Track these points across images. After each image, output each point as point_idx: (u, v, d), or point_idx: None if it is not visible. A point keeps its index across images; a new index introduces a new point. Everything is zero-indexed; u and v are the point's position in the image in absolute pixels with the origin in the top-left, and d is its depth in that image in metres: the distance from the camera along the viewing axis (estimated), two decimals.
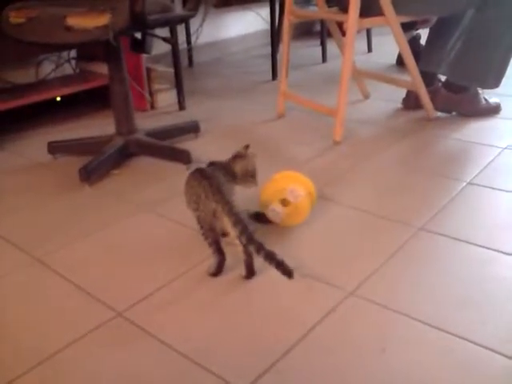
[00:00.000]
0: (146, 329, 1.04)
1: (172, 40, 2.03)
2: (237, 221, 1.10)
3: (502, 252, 1.23)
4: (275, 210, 1.32)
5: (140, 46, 1.73)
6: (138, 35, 1.76)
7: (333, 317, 1.05)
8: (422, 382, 0.89)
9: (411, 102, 2.20)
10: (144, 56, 2.29)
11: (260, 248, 1.08)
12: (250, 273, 1.17)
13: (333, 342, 0.98)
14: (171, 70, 2.38)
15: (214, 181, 1.16)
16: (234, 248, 1.16)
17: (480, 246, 1.26)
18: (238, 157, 1.30)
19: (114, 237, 1.39)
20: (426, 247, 1.28)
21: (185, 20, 1.79)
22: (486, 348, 0.95)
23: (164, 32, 2.10)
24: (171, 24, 2.05)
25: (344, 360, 0.94)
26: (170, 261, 1.26)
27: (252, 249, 1.10)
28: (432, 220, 1.38)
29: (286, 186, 1.35)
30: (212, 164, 1.28)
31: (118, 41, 1.70)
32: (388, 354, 0.95)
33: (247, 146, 1.32)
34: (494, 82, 2.04)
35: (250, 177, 1.29)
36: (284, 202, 1.33)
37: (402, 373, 0.91)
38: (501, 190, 1.53)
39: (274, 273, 1.08)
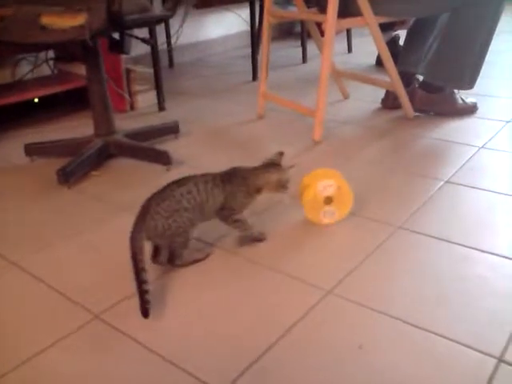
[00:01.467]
0: (123, 331, 1.03)
1: (151, 41, 2.03)
2: None
3: (477, 249, 1.25)
4: (328, 213, 1.36)
5: (118, 47, 1.71)
6: (117, 35, 1.74)
7: (311, 316, 1.05)
8: (399, 379, 0.90)
9: (390, 101, 2.23)
10: (123, 57, 2.27)
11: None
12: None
13: (311, 341, 0.99)
14: (151, 71, 2.37)
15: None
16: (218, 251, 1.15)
17: (457, 243, 1.28)
18: (271, 166, 1.27)
19: (92, 239, 1.38)
20: (403, 246, 1.29)
21: (163, 20, 1.78)
22: (462, 344, 0.96)
23: (143, 32, 2.09)
24: (149, 24, 2.04)
25: (322, 358, 0.95)
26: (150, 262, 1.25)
27: None
28: (410, 219, 1.40)
29: (315, 187, 1.36)
30: (233, 170, 1.26)
31: (96, 41, 1.69)
32: (365, 351, 0.95)
33: (282, 153, 1.30)
34: (469, 82, 2.07)
35: (281, 187, 1.26)
36: (327, 201, 1.36)
37: (378, 369, 0.92)
38: (478, 188, 1.55)
39: (251, 272, 1.08)
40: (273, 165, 1.27)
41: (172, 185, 1.20)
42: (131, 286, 1.15)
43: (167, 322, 1.06)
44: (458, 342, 0.96)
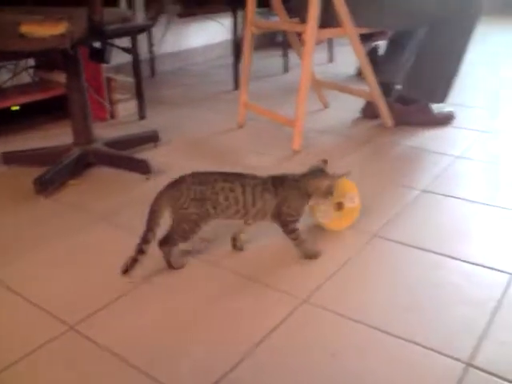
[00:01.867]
0: (97, 341, 1.03)
1: (132, 50, 2.03)
2: None
3: (449, 257, 1.27)
4: (327, 212, 1.36)
5: (99, 56, 1.71)
6: (97, 44, 1.75)
7: (286, 325, 1.06)
8: None
9: (370, 111, 2.25)
10: (104, 65, 2.27)
11: None
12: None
13: (285, 350, 0.99)
14: (132, 80, 2.37)
15: None
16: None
17: (431, 251, 1.30)
18: (319, 172, 1.27)
19: (68, 249, 1.37)
20: (378, 253, 1.31)
21: (144, 30, 1.78)
22: (432, 350, 0.97)
23: (125, 41, 2.10)
24: (131, 34, 2.04)
25: (295, 367, 0.95)
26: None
27: None
28: (385, 227, 1.41)
29: (346, 191, 1.38)
30: (283, 175, 1.26)
31: (76, 50, 1.69)
32: (338, 359, 0.96)
33: (326, 161, 1.31)
34: (442, 96, 2.12)
35: (329, 194, 1.26)
36: (339, 206, 1.38)
37: (350, 376, 0.93)
38: (453, 196, 1.57)
39: (227, 283, 1.08)
40: (321, 171, 1.28)
41: (218, 175, 1.21)
42: (108, 297, 1.16)
43: (142, 332, 1.06)
44: (428, 348, 0.98)
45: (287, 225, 1.25)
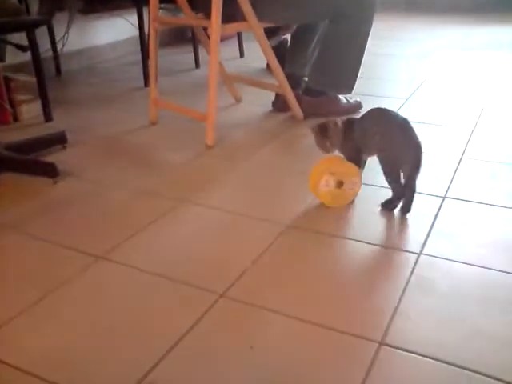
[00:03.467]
0: (8, 362, 0.97)
1: (27, 47, 1.91)
2: None
3: (359, 240, 1.32)
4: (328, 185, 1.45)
5: None
6: None
7: (204, 321, 1.05)
8: (291, 374, 0.92)
9: (280, 104, 2.28)
10: (0, 64, 2.14)
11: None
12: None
13: (204, 347, 0.99)
14: (34, 80, 2.25)
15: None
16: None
17: (341, 237, 1.34)
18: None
19: None
20: (294, 244, 1.33)
21: (38, 25, 1.68)
22: (347, 333, 1.01)
23: (22, 38, 1.99)
24: (23, 29, 1.91)
25: (214, 363, 0.95)
26: (37, 282, 1.19)
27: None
28: (300, 217, 1.44)
29: (350, 175, 1.46)
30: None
31: None
32: (256, 351, 0.97)
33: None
34: (347, 87, 2.20)
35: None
36: (339, 184, 1.45)
37: (269, 367, 0.94)
38: (368, 184, 1.62)
39: (138, 284, 1.06)
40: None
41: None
42: (15, 309, 1.09)
43: (54, 343, 1.01)
44: (350, 334, 1.01)
45: None
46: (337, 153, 1.51)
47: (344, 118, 1.48)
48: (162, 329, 1.04)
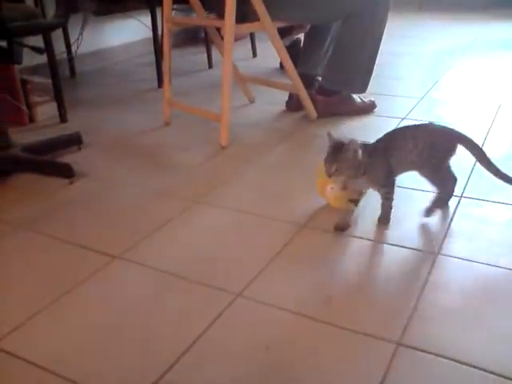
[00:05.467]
0: (26, 358, 0.98)
1: (43, 49, 1.92)
2: None
3: (375, 241, 1.31)
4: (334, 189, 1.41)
5: (7, 56, 1.62)
6: (4, 44, 1.65)
7: (221, 321, 1.05)
8: (308, 375, 0.92)
9: (294, 104, 2.28)
10: (17, 67, 2.16)
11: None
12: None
13: (221, 346, 0.99)
14: (50, 81, 2.27)
15: None
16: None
17: (357, 237, 1.33)
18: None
19: None
20: (309, 244, 1.32)
21: (55, 28, 1.70)
22: (364, 334, 1.00)
23: (39, 40, 2.00)
24: (40, 32, 1.93)
25: (231, 363, 0.95)
26: (53, 281, 1.20)
27: None
28: (314, 217, 1.43)
29: None
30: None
31: None
32: (272, 352, 0.97)
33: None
34: (361, 86, 2.19)
35: None
36: (344, 187, 1.40)
37: (286, 367, 0.93)
38: None
39: (154, 283, 1.06)
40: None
41: None
42: (29, 311, 1.10)
43: (65, 343, 1.02)
44: (361, 333, 1.01)
45: None
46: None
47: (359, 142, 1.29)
48: (178, 329, 1.04)
